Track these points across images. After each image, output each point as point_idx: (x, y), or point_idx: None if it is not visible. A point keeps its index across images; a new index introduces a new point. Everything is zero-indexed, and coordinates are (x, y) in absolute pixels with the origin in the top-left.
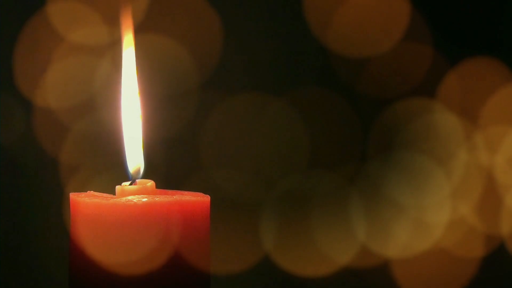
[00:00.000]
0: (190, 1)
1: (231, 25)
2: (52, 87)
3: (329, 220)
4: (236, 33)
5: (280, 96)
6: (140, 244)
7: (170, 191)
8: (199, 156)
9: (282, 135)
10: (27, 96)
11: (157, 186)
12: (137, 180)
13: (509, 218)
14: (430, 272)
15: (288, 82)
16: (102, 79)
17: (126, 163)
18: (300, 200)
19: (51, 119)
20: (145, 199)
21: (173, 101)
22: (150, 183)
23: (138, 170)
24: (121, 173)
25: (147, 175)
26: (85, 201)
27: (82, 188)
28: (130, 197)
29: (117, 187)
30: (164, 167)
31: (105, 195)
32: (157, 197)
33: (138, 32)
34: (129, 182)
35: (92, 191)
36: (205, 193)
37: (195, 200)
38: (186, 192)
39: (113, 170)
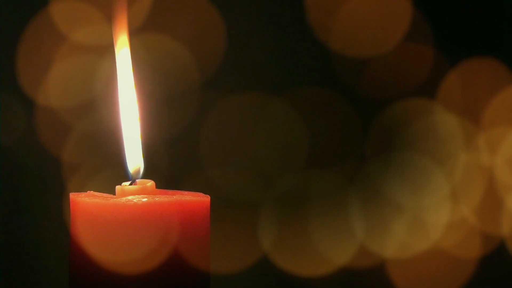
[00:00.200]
0: (192, 1)
1: (231, 25)
2: (55, 86)
3: (328, 220)
4: (237, 33)
5: (280, 96)
6: (140, 244)
7: (170, 191)
8: (199, 156)
9: (282, 135)
10: (29, 95)
11: (157, 186)
12: (137, 180)
13: (510, 219)
14: (429, 273)
15: (289, 82)
16: (104, 79)
17: (126, 163)
18: (300, 200)
19: (53, 118)
20: (145, 199)
21: (173, 101)
22: (150, 183)
23: (138, 170)
24: (122, 173)
25: (147, 175)
26: (85, 201)
27: (82, 188)
28: (130, 197)
29: (117, 187)
30: (164, 167)
31: (105, 195)
32: (157, 197)
33: (140, 32)
34: (129, 182)
35: (92, 191)
36: (205, 193)
37: (195, 200)
38: (186, 192)
39: (114, 170)
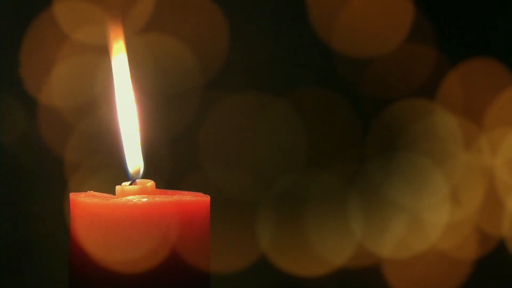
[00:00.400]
0: (194, 1)
1: (231, 25)
2: (57, 85)
3: (328, 220)
4: (238, 33)
5: (280, 96)
6: (140, 244)
7: (170, 191)
8: (199, 156)
9: (282, 135)
10: (31, 95)
11: (157, 186)
12: (137, 180)
13: (510, 220)
14: (429, 273)
15: (290, 82)
16: (106, 78)
17: (126, 164)
18: (300, 200)
19: (56, 117)
20: (145, 199)
21: (173, 101)
22: (150, 183)
23: (138, 171)
24: (122, 173)
25: (147, 175)
26: (85, 201)
27: (83, 188)
28: (130, 197)
29: (117, 187)
30: (164, 167)
31: (105, 195)
32: (157, 197)
33: (142, 31)
34: (129, 182)
35: (92, 191)
36: (205, 193)
37: (195, 200)
38: (186, 192)
39: (114, 170)
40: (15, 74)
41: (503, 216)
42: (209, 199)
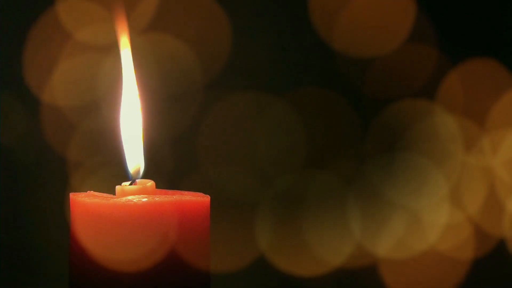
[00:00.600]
0: (195, 1)
1: (234, 25)
2: (60, 85)
3: (327, 220)
4: (238, 33)
5: (280, 96)
6: (140, 244)
7: (170, 191)
8: (199, 156)
9: (282, 135)
10: (34, 94)
11: (157, 186)
12: (137, 180)
13: (510, 220)
14: (429, 274)
15: (290, 82)
16: (109, 78)
17: (126, 163)
18: (299, 200)
19: (58, 117)
20: (145, 199)
21: (173, 101)
22: (150, 183)
23: (138, 170)
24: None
25: (147, 175)
26: (85, 201)
27: (83, 188)
28: (130, 197)
29: (117, 187)
30: (165, 167)
31: (105, 195)
32: (157, 197)
33: (145, 32)
34: (129, 182)
35: (92, 191)
36: (205, 193)
37: (195, 200)
38: (186, 192)
39: (114, 170)
40: (17, 73)
41: (503, 216)
42: (209, 199)
